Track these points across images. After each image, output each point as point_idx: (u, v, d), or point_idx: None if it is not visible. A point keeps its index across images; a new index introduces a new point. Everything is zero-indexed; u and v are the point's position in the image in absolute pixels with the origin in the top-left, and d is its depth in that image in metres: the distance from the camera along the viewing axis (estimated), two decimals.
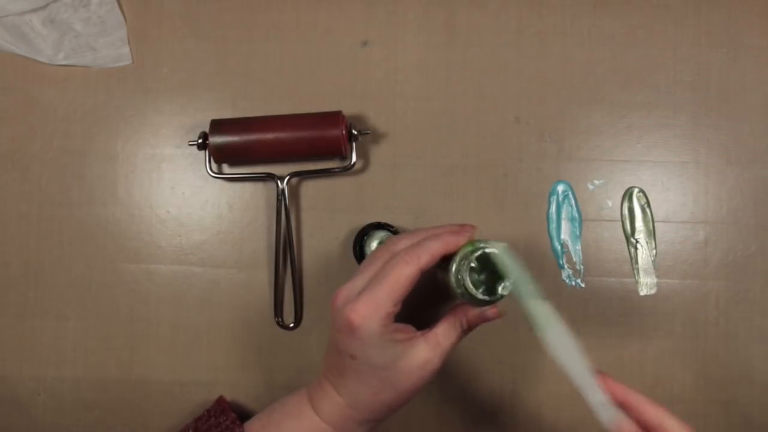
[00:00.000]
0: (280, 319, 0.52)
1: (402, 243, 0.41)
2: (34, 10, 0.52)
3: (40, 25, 0.52)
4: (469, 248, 0.39)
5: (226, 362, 0.52)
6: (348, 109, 0.52)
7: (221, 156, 0.50)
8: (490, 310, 0.42)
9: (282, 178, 0.50)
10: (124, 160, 0.53)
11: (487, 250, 0.39)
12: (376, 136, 0.52)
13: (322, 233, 0.52)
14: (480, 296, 0.38)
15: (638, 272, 0.51)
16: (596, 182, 0.52)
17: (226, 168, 0.53)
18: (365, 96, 0.53)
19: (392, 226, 0.50)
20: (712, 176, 0.52)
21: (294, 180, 0.52)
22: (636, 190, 0.52)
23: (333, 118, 0.49)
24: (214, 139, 0.49)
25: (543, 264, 0.52)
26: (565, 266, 0.51)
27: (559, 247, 0.52)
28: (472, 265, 0.39)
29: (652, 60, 0.52)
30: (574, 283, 0.51)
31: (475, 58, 0.53)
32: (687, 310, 0.51)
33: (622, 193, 0.52)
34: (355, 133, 0.49)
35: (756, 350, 0.51)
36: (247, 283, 0.52)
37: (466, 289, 0.39)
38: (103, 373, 0.52)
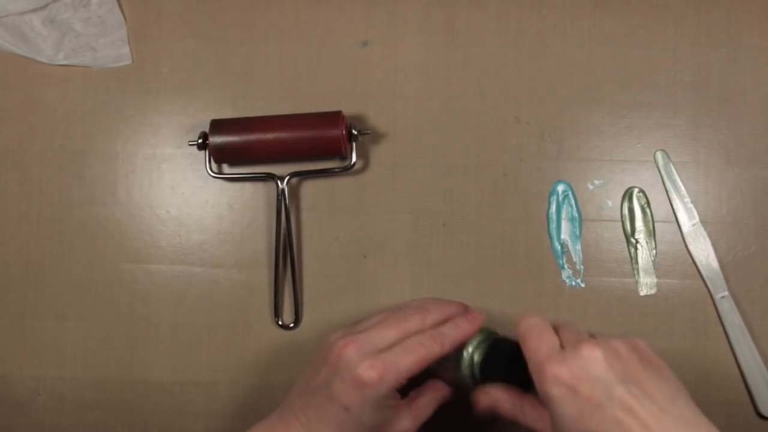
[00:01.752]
0: (279, 319, 0.52)
1: (422, 318, 0.42)
2: (34, 10, 0.52)
3: (40, 25, 0.52)
4: (481, 337, 0.42)
5: (226, 362, 0.52)
6: (348, 109, 0.52)
7: (221, 156, 0.50)
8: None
9: (282, 178, 0.50)
10: (124, 160, 0.53)
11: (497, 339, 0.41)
12: (376, 136, 0.52)
13: (322, 233, 0.52)
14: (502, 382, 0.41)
15: (638, 272, 0.51)
16: (596, 182, 0.52)
17: (225, 168, 0.53)
18: (365, 96, 0.53)
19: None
20: (712, 176, 0.52)
21: (294, 180, 0.52)
22: (636, 190, 0.52)
23: (333, 118, 0.49)
24: (214, 139, 0.49)
25: (543, 264, 0.52)
26: (565, 266, 0.51)
27: (559, 247, 0.52)
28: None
29: (652, 60, 0.52)
30: (574, 283, 0.51)
31: (475, 58, 0.53)
32: (687, 310, 0.51)
33: (622, 193, 0.52)
34: (355, 133, 0.49)
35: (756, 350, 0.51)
36: (247, 283, 0.52)
37: (483, 375, 0.41)
38: (103, 373, 0.52)
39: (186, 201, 0.53)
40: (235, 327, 0.52)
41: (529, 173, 0.52)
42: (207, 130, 0.50)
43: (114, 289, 0.52)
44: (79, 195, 0.53)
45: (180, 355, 0.52)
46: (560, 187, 0.52)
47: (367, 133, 0.51)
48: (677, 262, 0.51)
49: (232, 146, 0.49)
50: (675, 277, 0.51)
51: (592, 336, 0.39)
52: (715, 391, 0.51)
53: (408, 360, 0.39)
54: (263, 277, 0.52)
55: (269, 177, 0.51)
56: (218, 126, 0.49)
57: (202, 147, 0.50)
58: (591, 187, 0.52)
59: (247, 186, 0.53)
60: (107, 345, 0.52)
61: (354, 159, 0.50)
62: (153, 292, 0.52)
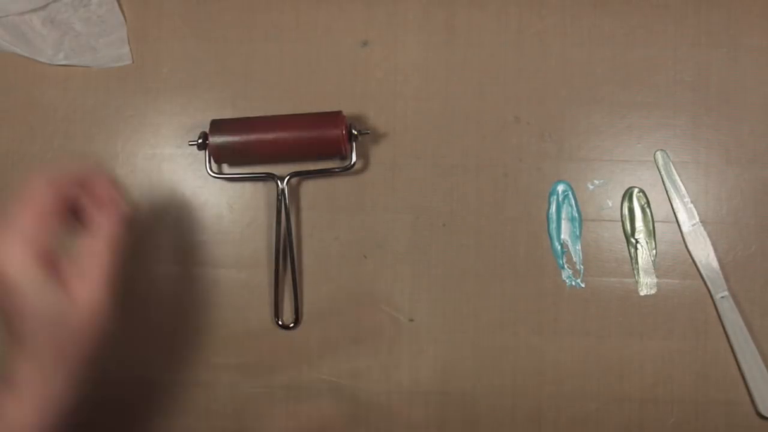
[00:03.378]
0: (279, 320, 0.52)
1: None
2: (34, 10, 0.52)
3: (40, 25, 0.52)
4: None
5: (226, 362, 0.52)
6: (348, 109, 0.52)
7: (221, 156, 0.50)
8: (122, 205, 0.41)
9: (282, 178, 0.50)
10: (124, 160, 0.53)
11: None
12: (376, 136, 0.52)
13: (322, 233, 0.52)
14: None
15: (638, 272, 0.51)
16: (596, 182, 0.52)
17: (225, 168, 0.53)
18: (365, 96, 0.53)
19: None
20: (712, 176, 0.52)
21: (294, 180, 0.52)
22: (636, 190, 0.52)
23: (333, 117, 0.49)
24: (214, 139, 0.49)
25: (543, 264, 0.52)
26: (565, 266, 0.51)
27: (559, 247, 0.52)
28: None
29: (652, 60, 0.52)
30: (574, 283, 0.51)
31: (475, 58, 0.53)
32: (687, 310, 0.51)
33: (622, 193, 0.52)
34: (355, 133, 0.49)
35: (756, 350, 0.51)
36: (247, 283, 0.52)
37: None
38: (102, 373, 0.52)
39: (186, 201, 0.53)
40: (235, 327, 0.52)
41: (529, 173, 0.52)
42: (207, 130, 0.50)
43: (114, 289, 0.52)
44: None
45: (180, 355, 0.52)
46: (560, 187, 0.52)
47: (367, 133, 0.51)
48: (677, 262, 0.51)
49: (233, 146, 0.49)
50: (675, 277, 0.51)
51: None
52: (715, 391, 0.51)
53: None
54: (263, 277, 0.52)
55: (269, 177, 0.51)
56: (218, 126, 0.49)
57: (202, 147, 0.50)
58: (591, 187, 0.52)
59: (247, 186, 0.53)
60: (107, 345, 0.52)
61: (354, 159, 0.50)
62: (153, 292, 0.52)
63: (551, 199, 0.52)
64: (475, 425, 0.51)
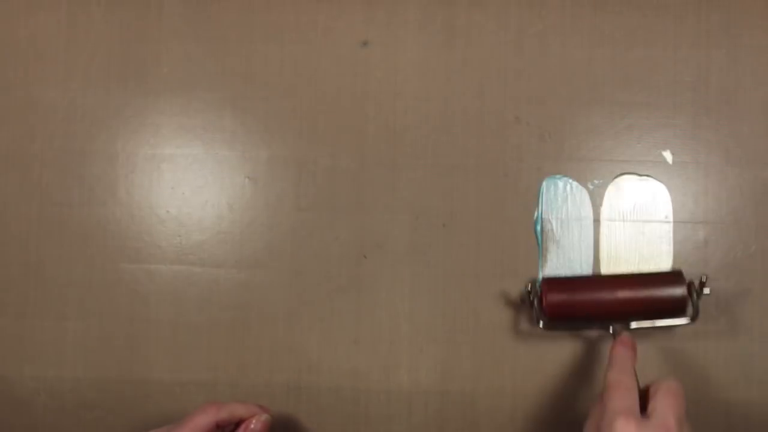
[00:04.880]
0: None
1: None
2: None
3: None
4: None
5: (226, 362, 0.52)
6: (348, 109, 0.52)
7: (555, 312, 0.49)
8: None
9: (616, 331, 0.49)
10: (124, 160, 0.53)
11: None
12: (376, 136, 0.52)
13: (322, 233, 0.52)
14: None
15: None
16: (596, 182, 0.52)
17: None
18: (365, 96, 0.53)
19: None
20: (712, 176, 0.52)
21: (294, 180, 0.52)
22: None
23: (674, 278, 0.49)
24: (552, 297, 0.48)
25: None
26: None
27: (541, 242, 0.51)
28: None
29: (652, 60, 0.52)
30: None
31: (475, 58, 0.53)
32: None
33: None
34: (698, 292, 0.48)
35: (756, 350, 0.51)
36: (247, 283, 0.52)
37: None
38: (103, 373, 0.52)
39: (186, 201, 0.53)
40: (235, 327, 0.52)
41: (529, 173, 0.52)
42: (530, 285, 0.49)
43: (114, 289, 0.52)
44: (79, 195, 0.53)
45: (180, 355, 0.52)
46: (560, 183, 0.52)
47: (708, 294, 0.49)
48: (677, 262, 0.51)
49: (572, 305, 0.48)
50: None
51: (680, 422, 0.38)
52: (715, 391, 0.51)
53: None
54: (263, 277, 0.52)
55: (605, 328, 0.49)
56: (555, 284, 0.49)
57: (532, 302, 0.49)
58: (591, 187, 0.52)
59: (248, 186, 0.53)
60: (107, 345, 0.52)
61: (698, 314, 0.49)
62: (153, 292, 0.52)
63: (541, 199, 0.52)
64: (474, 425, 0.51)
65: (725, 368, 0.51)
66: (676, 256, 0.51)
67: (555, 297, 0.48)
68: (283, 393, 0.52)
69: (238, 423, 0.45)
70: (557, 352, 0.51)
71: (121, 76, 0.53)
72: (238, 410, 0.45)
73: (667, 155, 0.52)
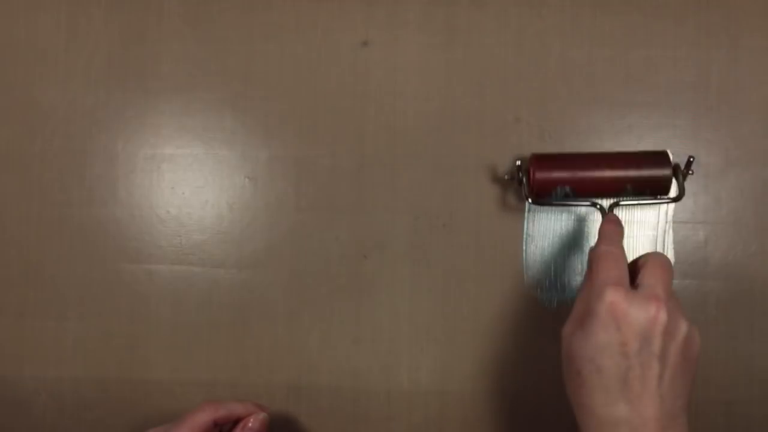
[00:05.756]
0: None
1: None
2: None
3: None
4: None
5: (226, 362, 0.52)
6: (348, 109, 0.52)
7: (543, 190, 0.49)
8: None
9: (604, 207, 0.49)
10: (124, 160, 0.53)
11: None
12: (376, 136, 0.52)
13: (322, 233, 0.52)
14: None
15: None
16: None
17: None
18: (365, 96, 0.53)
19: None
20: (712, 176, 0.52)
21: (293, 179, 0.52)
22: None
23: (660, 158, 0.49)
24: (541, 174, 0.48)
25: None
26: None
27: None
28: None
29: (652, 60, 0.52)
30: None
31: (475, 58, 0.53)
32: (687, 310, 0.51)
33: None
34: (684, 171, 0.49)
35: (756, 350, 0.51)
36: (247, 283, 0.52)
37: None
38: (103, 373, 0.52)
39: (186, 201, 0.53)
40: (235, 327, 0.52)
41: None
42: (519, 163, 0.49)
43: (114, 289, 0.52)
44: (79, 195, 0.53)
45: (180, 355, 0.52)
46: None
47: (692, 173, 0.50)
48: (677, 262, 0.51)
49: (559, 181, 0.48)
50: (675, 277, 0.51)
51: (668, 293, 0.39)
52: (715, 391, 0.51)
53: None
54: (263, 277, 0.52)
55: (593, 205, 0.49)
56: (543, 161, 0.49)
57: (520, 179, 0.49)
58: None
59: (248, 186, 0.53)
60: (107, 345, 0.52)
61: (684, 192, 0.49)
62: (153, 292, 0.52)
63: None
64: (474, 426, 0.51)
65: (725, 368, 0.51)
66: (676, 256, 0.51)
67: (543, 173, 0.48)
68: (283, 393, 0.52)
69: (236, 421, 0.45)
70: (557, 353, 0.51)
71: (121, 76, 0.53)
72: (236, 409, 0.45)
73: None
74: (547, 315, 0.51)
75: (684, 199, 0.52)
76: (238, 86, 0.53)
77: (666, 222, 0.52)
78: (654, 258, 0.41)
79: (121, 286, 0.52)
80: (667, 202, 0.50)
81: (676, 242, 0.52)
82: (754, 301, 0.51)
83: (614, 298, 0.37)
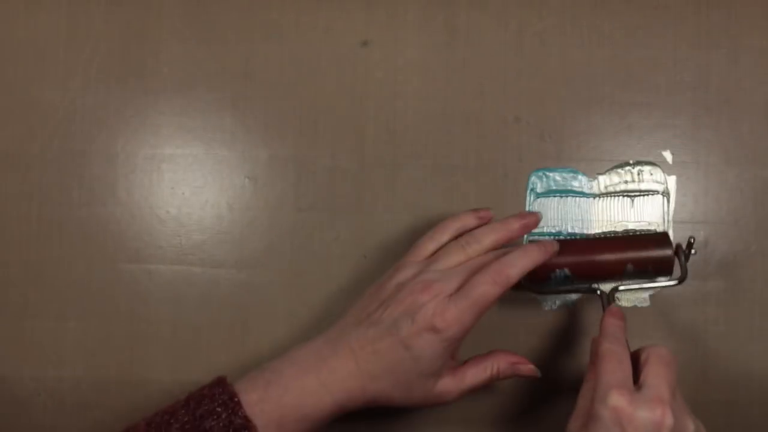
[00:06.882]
0: None
1: (486, 243, 0.44)
2: None
3: None
4: None
5: (226, 362, 0.52)
6: (348, 109, 0.52)
7: (541, 276, 0.48)
8: (525, 367, 0.44)
9: (605, 292, 0.48)
10: (124, 160, 0.53)
11: None
12: (377, 136, 0.52)
13: (322, 233, 0.52)
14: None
15: None
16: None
17: None
18: (365, 96, 0.53)
19: None
20: (712, 176, 0.52)
21: (293, 180, 0.52)
22: None
23: (661, 240, 0.48)
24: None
25: None
26: None
27: None
28: None
29: (652, 60, 0.52)
30: None
31: (475, 58, 0.53)
32: (687, 310, 0.51)
33: None
34: (686, 252, 0.48)
35: (756, 350, 0.51)
36: (247, 283, 0.52)
37: None
38: (103, 373, 0.52)
39: (186, 201, 0.53)
40: (235, 327, 0.52)
41: (529, 173, 0.52)
42: None
43: (114, 289, 0.52)
44: (79, 195, 0.53)
45: (180, 355, 0.52)
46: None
47: (695, 254, 0.48)
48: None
49: (557, 266, 0.47)
50: (675, 277, 0.51)
51: (672, 394, 0.38)
52: (715, 391, 0.51)
53: (470, 305, 0.40)
54: (263, 277, 0.52)
55: (592, 290, 0.48)
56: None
57: None
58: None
59: (247, 186, 0.53)
60: (107, 345, 0.52)
61: (687, 274, 0.48)
62: (153, 292, 0.52)
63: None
64: (475, 426, 0.51)
65: (725, 368, 0.51)
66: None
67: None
68: None
69: None
70: (557, 353, 0.51)
71: (121, 76, 0.53)
72: (524, 266, 0.42)
73: (667, 155, 0.52)
74: (547, 315, 0.51)
75: (684, 199, 0.52)
76: (238, 86, 0.53)
77: (666, 222, 0.52)
78: (656, 354, 0.40)
79: (121, 286, 0.52)
80: (671, 285, 0.49)
81: (676, 242, 0.52)
82: (754, 301, 0.51)
83: (618, 402, 0.37)
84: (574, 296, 0.51)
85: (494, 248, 0.45)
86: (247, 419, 0.39)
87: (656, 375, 0.39)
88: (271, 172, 0.53)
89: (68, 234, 0.53)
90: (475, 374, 0.43)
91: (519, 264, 0.42)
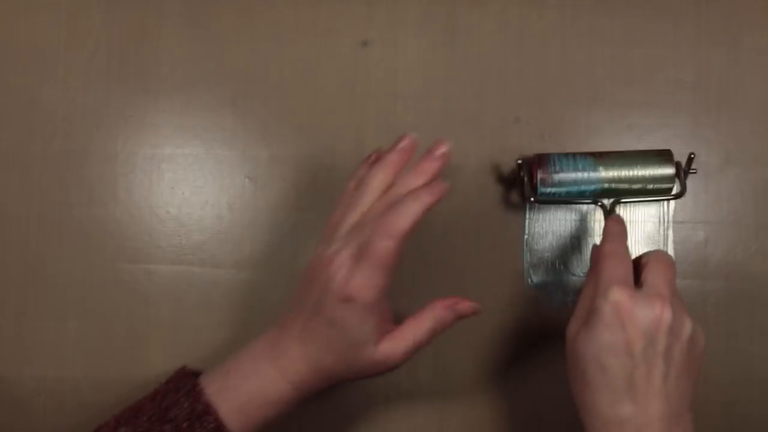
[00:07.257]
0: None
1: (375, 185, 0.42)
2: None
3: None
4: None
5: None
6: (348, 109, 0.52)
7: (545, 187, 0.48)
8: (463, 305, 0.43)
9: (606, 206, 0.49)
10: (124, 160, 0.53)
11: None
12: (376, 136, 0.52)
13: (322, 233, 0.52)
14: None
15: None
16: None
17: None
18: (365, 96, 0.53)
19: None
20: (712, 176, 0.52)
21: (292, 178, 0.52)
22: None
23: (664, 156, 0.48)
24: (543, 175, 0.48)
25: None
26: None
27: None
28: None
29: (652, 60, 0.52)
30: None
31: (475, 58, 0.53)
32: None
33: None
34: (686, 170, 0.48)
35: (756, 350, 0.51)
36: (247, 283, 0.52)
37: None
38: (103, 373, 0.52)
39: (186, 201, 0.53)
40: (235, 327, 0.52)
41: None
42: (521, 161, 0.48)
43: (114, 289, 0.52)
44: (79, 195, 0.53)
45: (180, 355, 0.52)
46: None
47: (695, 172, 0.49)
48: (677, 262, 0.51)
49: (563, 181, 0.48)
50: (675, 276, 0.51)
51: (672, 292, 0.39)
52: (715, 391, 0.51)
53: (373, 266, 0.39)
54: (263, 277, 0.52)
55: (594, 202, 0.49)
56: (547, 160, 0.48)
57: (523, 177, 0.49)
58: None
59: (247, 186, 0.53)
60: (107, 345, 0.52)
61: (686, 189, 0.49)
62: (153, 292, 0.52)
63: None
64: (475, 426, 0.51)
65: (725, 368, 0.51)
66: (676, 256, 0.51)
67: (545, 173, 0.48)
68: None
69: None
70: (557, 352, 0.51)
71: (121, 76, 0.53)
72: (415, 213, 0.40)
73: None
74: (547, 315, 0.51)
75: (684, 198, 0.52)
76: (238, 86, 0.53)
77: (666, 222, 0.52)
78: (657, 256, 0.41)
79: (120, 286, 0.52)
80: (669, 200, 0.50)
81: (676, 242, 0.52)
82: (754, 301, 0.51)
83: (619, 297, 0.37)
84: (574, 296, 0.51)
85: (388, 187, 0.43)
86: (208, 405, 0.40)
87: (657, 275, 0.39)
88: (271, 172, 0.53)
89: (68, 234, 0.53)
90: (414, 331, 0.42)
91: (410, 212, 0.40)
